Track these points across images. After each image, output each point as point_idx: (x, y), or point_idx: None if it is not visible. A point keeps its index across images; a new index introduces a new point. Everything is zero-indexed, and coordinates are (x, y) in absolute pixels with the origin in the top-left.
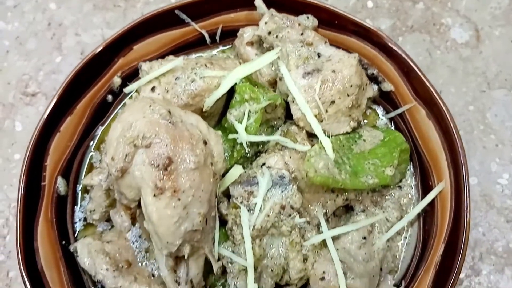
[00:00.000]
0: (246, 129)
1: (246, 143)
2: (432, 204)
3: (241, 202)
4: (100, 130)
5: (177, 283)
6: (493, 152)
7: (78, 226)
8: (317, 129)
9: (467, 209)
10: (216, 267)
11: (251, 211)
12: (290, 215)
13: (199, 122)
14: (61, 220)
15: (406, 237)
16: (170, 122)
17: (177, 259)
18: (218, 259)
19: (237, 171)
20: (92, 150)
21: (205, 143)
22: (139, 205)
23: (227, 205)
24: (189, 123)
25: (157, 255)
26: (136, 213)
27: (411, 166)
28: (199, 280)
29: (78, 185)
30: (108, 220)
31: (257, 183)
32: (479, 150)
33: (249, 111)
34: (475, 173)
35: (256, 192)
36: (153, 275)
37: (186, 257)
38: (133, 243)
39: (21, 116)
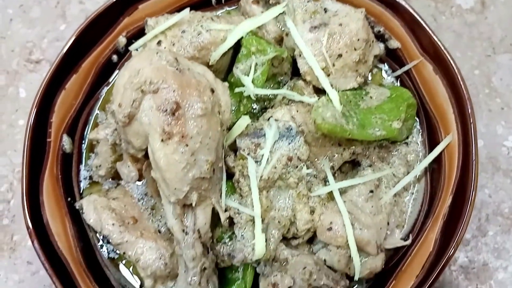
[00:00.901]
0: (253, 82)
1: (253, 96)
2: (439, 160)
3: (248, 154)
4: (105, 91)
5: (184, 232)
6: (498, 115)
7: (84, 184)
8: (324, 82)
9: (474, 159)
10: (223, 217)
11: (258, 163)
12: (297, 167)
13: (206, 72)
14: (67, 177)
15: (413, 193)
16: (177, 69)
17: (185, 207)
18: (226, 211)
19: (244, 122)
20: (98, 110)
21: (212, 91)
22: (145, 156)
23: (234, 158)
24: (196, 72)
25: (165, 204)
26: (142, 169)
27: (418, 123)
28: (206, 230)
29: (83, 144)
30: (114, 178)
31: (264, 135)
32: (485, 113)
33: (256, 64)
34: (481, 135)
35: (263, 144)
36: (159, 232)
37: (194, 204)
38: (138, 201)
39: (25, 83)
